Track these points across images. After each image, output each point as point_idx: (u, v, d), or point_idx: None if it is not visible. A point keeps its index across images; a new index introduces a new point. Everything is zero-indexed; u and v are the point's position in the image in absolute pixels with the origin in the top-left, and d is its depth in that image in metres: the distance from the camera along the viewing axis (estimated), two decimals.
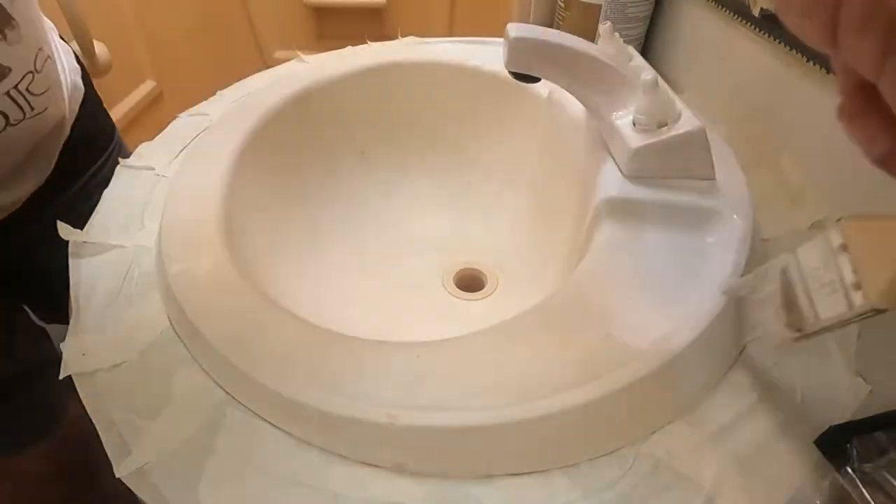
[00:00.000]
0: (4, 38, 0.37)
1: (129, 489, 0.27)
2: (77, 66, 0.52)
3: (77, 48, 0.78)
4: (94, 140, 0.54)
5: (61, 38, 0.52)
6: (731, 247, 0.32)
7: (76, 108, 0.50)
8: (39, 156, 0.45)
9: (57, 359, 0.31)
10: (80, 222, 0.40)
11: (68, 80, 0.49)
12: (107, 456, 0.28)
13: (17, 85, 0.39)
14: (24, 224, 0.47)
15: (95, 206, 0.42)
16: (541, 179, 0.52)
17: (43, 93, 0.42)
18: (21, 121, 0.40)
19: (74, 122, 0.50)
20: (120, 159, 0.46)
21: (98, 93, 0.58)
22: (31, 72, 0.40)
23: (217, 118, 0.48)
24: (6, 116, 0.39)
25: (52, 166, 0.47)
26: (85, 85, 0.53)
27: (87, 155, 0.52)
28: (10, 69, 0.38)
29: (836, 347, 0.31)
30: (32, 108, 0.41)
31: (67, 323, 0.51)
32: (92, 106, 0.53)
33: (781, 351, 0.29)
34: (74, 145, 0.49)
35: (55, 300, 0.47)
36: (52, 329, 0.59)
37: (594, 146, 0.39)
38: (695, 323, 0.28)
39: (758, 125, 0.45)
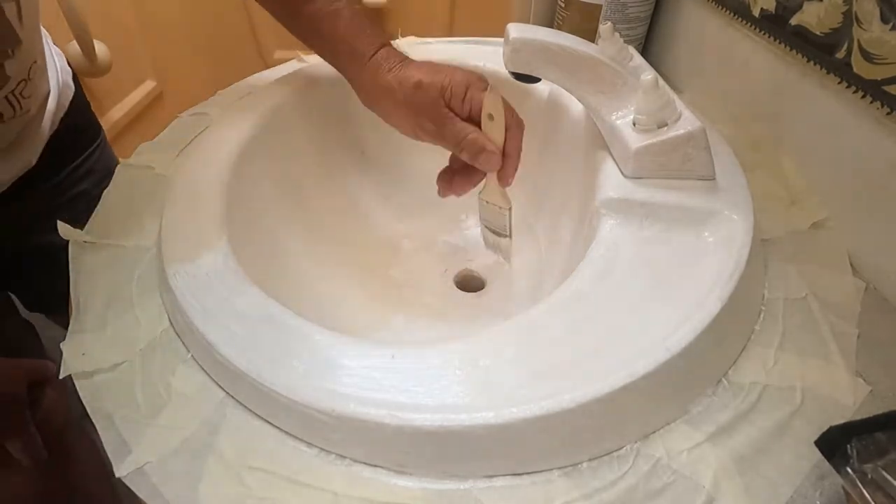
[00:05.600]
0: (12, 55, 0.43)
1: (108, 479, 0.26)
2: (68, 67, 0.58)
3: (77, 48, 0.78)
4: (83, 133, 0.59)
5: (55, 43, 0.58)
6: (731, 246, 0.32)
7: (66, 104, 0.55)
8: (24, 145, 0.50)
9: (41, 351, 0.32)
10: (69, 206, 0.44)
11: (59, 79, 0.54)
12: (79, 443, 0.28)
13: (13, 90, 0.45)
14: (14, 206, 0.51)
15: (83, 191, 0.48)
16: (541, 179, 0.52)
17: (30, 96, 0.47)
18: (12, 118, 0.46)
19: (64, 116, 0.54)
20: (120, 159, 0.46)
21: (96, 92, 0.61)
22: (24, 79, 0.46)
23: (217, 118, 0.48)
24: (1, 115, 0.45)
25: (38, 155, 0.52)
26: (75, 84, 0.58)
27: (75, 145, 0.58)
28: (10, 78, 0.44)
29: (836, 347, 0.31)
30: (21, 108, 0.46)
31: (51, 313, 0.53)
32: (81, 103, 0.59)
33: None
34: (64, 136, 0.54)
35: (41, 287, 0.51)
36: (38, 321, 0.60)
37: (594, 146, 0.39)
38: (695, 323, 0.28)
39: (758, 125, 0.45)
